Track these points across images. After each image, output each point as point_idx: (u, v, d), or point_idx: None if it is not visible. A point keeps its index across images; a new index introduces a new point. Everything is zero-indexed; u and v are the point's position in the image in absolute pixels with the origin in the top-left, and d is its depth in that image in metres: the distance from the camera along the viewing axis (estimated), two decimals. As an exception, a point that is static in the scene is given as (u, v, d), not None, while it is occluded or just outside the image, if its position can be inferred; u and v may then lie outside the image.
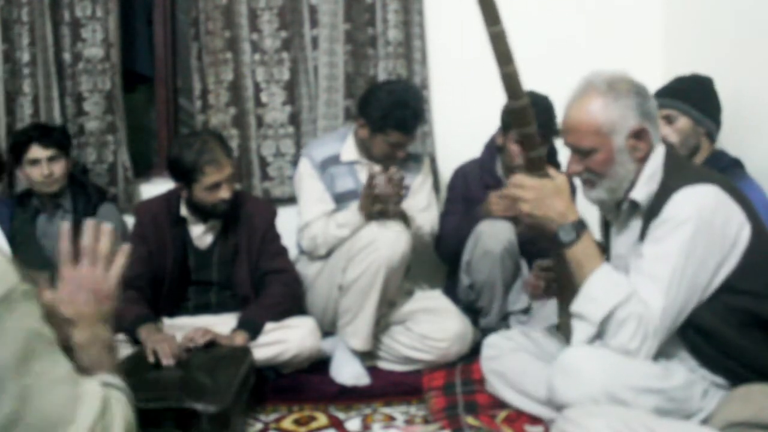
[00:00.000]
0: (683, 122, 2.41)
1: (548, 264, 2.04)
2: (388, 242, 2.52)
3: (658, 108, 2.42)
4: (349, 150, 2.81)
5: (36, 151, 2.81)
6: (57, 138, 2.86)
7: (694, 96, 2.43)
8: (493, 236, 2.65)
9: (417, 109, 2.70)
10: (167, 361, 2.20)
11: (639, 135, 1.79)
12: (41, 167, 2.81)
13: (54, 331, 0.96)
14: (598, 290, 1.73)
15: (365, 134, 2.74)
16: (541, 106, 2.62)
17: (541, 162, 1.81)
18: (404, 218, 2.66)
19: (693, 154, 2.44)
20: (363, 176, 2.80)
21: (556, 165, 2.71)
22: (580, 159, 1.83)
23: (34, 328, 0.92)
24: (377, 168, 2.59)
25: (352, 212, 2.65)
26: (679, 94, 2.43)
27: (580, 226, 1.78)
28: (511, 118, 2.58)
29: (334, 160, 2.81)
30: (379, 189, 2.54)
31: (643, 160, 1.81)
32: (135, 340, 2.40)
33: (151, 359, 2.22)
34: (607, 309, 1.70)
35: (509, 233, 2.66)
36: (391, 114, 2.63)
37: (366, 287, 2.53)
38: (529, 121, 1.78)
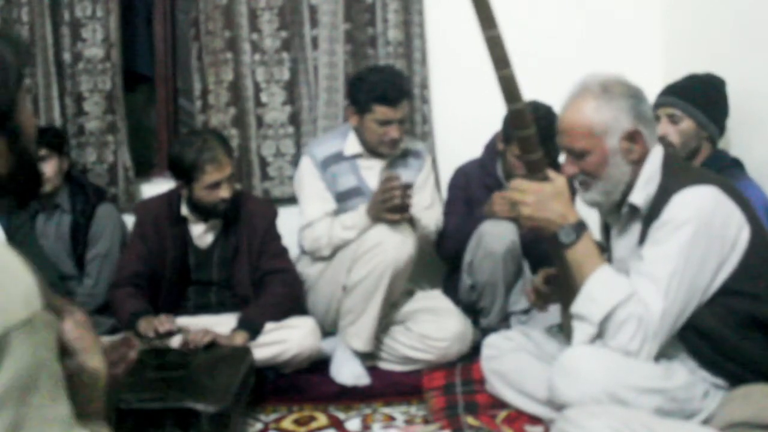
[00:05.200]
0: (687, 124, 2.40)
1: (552, 274, 2.04)
2: (395, 245, 2.52)
3: (664, 105, 2.43)
4: (351, 144, 2.82)
5: None
6: (47, 138, 2.87)
7: (703, 98, 2.40)
8: (496, 237, 2.64)
9: (397, 80, 2.74)
10: (164, 327, 2.32)
11: (632, 137, 1.79)
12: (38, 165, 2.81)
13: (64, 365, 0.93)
14: (598, 291, 1.73)
15: (356, 121, 2.76)
16: (544, 116, 2.61)
17: (541, 165, 1.81)
18: (411, 221, 2.66)
19: (692, 156, 2.43)
20: (365, 173, 2.81)
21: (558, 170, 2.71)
22: (574, 161, 1.84)
23: (46, 360, 0.88)
24: (394, 176, 2.58)
25: (359, 215, 2.65)
26: (689, 94, 2.41)
27: (580, 228, 1.79)
28: (509, 121, 2.59)
29: (336, 158, 2.81)
30: (397, 200, 2.53)
31: (638, 163, 1.81)
32: (136, 335, 2.41)
33: (150, 334, 2.30)
34: (607, 309, 1.70)
35: (512, 234, 2.66)
36: (373, 89, 2.68)
37: (371, 288, 2.53)
38: (527, 124, 1.77)
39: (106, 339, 2.50)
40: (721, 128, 2.46)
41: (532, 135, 1.78)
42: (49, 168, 2.86)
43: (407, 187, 2.56)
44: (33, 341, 0.86)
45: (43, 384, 0.87)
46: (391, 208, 2.54)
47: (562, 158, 1.99)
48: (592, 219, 2.03)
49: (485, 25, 1.70)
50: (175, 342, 2.39)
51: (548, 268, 2.10)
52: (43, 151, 2.84)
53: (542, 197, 1.78)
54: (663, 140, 2.40)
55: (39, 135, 2.82)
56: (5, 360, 0.83)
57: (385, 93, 2.67)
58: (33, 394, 0.85)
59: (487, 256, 2.66)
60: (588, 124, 1.78)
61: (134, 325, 2.41)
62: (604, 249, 2.04)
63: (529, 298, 2.17)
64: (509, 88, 1.74)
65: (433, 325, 2.64)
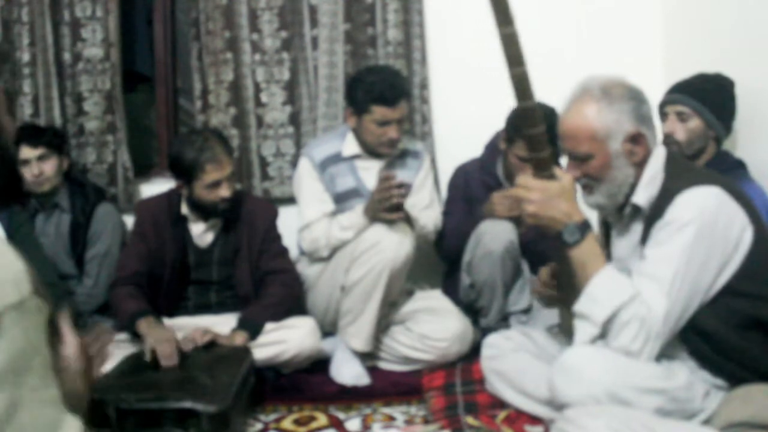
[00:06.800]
0: (695, 123, 2.40)
1: (556, 269, 2.04)
2: (392, 244, 2.52)
3: (673, 102, 2.43)
4: (350, 145, 2.82)
5: (26, 152, 2.83)
6: (46, 138, 2.87)
7: (712, 98, 2.40)
8: (494, 237, 2.64)
9: (395, 80, 2.73)
10: (166, 362, 2.20)
11: (635, 139, 1.79)
12: (31, 167, 2.83)
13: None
14: (602, 291, 1.73)
15: (354, 122, 2.76)
16: (547, 118, 2.58)
17: (548, 163, 1.81)
18: (408, 220, 2.66)
19: (697, 156, 2.42)
20: (363, 174, 2.81)
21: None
22: (577, 165, 1.83)
23: (36, 343, 0.89)
24: (390, 175, 2.58)
25: (356, 214, 2.65)
26: (698, 93, 2.40)
27: (585, 227, 1.78)
28: (519, 119, 2.58)
29: (334, 159, 2.81)
30: (393, 199, 2.53)
31: (641, 164, 1.81)
32: (135, 336, 2.41)
33: (148, 357, 2.22)
34: (611, 310, 1.70)
35: (511, 234, 2.66)
36: (371, 89, 2.67)
37: (369, 288, 2.53)
38: (536, 122, 1.77)
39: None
40: (728, 129, 2.46)
41: (540, 133, 1.78)
42: (49, 167, 2.87)
43: (403, 186, 2.56)
44: (25, 323, 0.87)
45: (37, 366, 0.88)
46: (388, 207, 2.54)
47: (563, 160, 1.99)
48: (592, 218, 2.02)
49: (502, 22, 1.69)
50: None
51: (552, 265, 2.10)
52: (42, 151, 2.85)
53: (548, 195, 1.77)
54: (669, 138, 2.40)
55: (38, 135, 2.86)
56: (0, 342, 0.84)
57: (383, 93, 2.67)
58: (28, 376, 0.86)
59: (486, 255, 2.66)
60: (590, 128, 1.78)
61: (134, 326, 2.41)
62: (603, 247, 2.03)
63: (537, 294, 2.16)
64: (522, 86, 1.73)
65: (433, 325, 2.64)
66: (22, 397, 0.86)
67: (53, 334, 0.99)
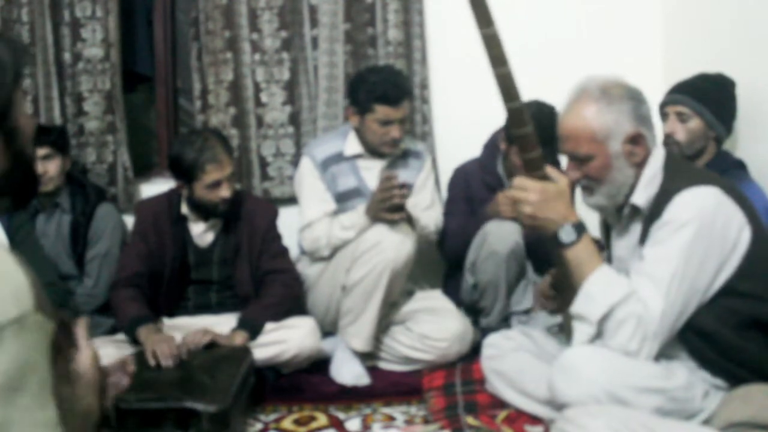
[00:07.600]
0: (695, 123, 2.39)
1: (555, 277, 2.03)
2: (393, 244, 2.52)
3: (673, 102, 2.42)
4: (351, 144, 2.82)
5: None
6: (51, 137, 2.87)
7: (712, 98, 2.40)
8: (500, 237, 2.64)
9: (398, 80, 2.74)
10: (167, 362, 2.20)
11: (635, 140, 1.79)
12: (35, 166, 2.82)
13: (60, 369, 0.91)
14: (597, 290, 1.73)
15: (356, 121, 2.76)
16: (547, 116, 2.58)
17: (539, 163, 1.80)
18: (410, 220, 2.66)
19: (697, 156, 2.42)
20: (365, 173, 2.81)
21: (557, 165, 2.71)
22: (577, 166, 1.83)
23: (35, 362, 0.86)
24: (392, 175, 2.58)
25: (357, 214, 2.66)
26: (699, 93, 2.40)
27: (580, 228, 1.78)
28: (507, 120, 2.58)
29: (336, 158, 2.81)
30: (395, 199, 2.53)
31: (640, 165, 1.81)
32: (134, 340, 2.41)
33: (151, 362, 2.22)
34: (606, 308, 1.70)
35: (516, 235, 2.65)
36: (374, 89, 2.68)
37: (370, 288, 2.53)
38: (524, 122, 1.77)
39: (106, 340, 2.50)
40: (729, 129, 2.45)
41: (530, 133, 1.78)
42: (53, 167, 2.86)
43: (404, 187, 2.56)
44: (22, 341, 0.84)
45: (32, 386, 0.85)
46: (389, 207, 2.54)
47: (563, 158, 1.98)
48: (591, 218, 2.03)
49: (482, 24, 1.69)
50: (176, 339, 2.38)
51: (553, 269, 2.10)
52: (47, 151, 2.85)
53: (546, 197, 1.77)
54: (669, 138, 2.40)
55: (44, 134, 2.86)
56: None
57: (386, 93, 2.67)
58: (20, 396, 0.84)
59: (491, 256, 2.65)
60: (590, 129, 1.77)
61: (134, 332, 2.41)
62: (603, 247, 2.04)
63: (541, 305, 2.16)
64: (506, 86, 1.73)
65: (433, 325, 2.64)
66: (13, 417, 0.83)
67: (66, 344, 0.97)
